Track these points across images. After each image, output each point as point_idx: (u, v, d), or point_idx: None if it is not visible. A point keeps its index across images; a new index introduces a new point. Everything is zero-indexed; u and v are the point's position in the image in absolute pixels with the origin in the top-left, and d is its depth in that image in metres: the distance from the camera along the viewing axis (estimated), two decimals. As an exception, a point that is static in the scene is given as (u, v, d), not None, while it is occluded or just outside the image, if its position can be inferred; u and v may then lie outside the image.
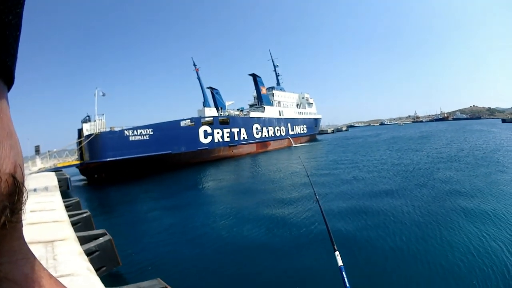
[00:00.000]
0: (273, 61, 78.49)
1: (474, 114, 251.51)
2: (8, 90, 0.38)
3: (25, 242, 0.42)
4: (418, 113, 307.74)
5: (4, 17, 0.33)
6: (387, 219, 12.08)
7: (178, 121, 41.59)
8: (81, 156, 33.76)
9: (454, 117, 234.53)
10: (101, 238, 8.80)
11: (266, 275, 8.54)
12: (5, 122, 0.36)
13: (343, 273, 1.75)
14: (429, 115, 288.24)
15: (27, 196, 0.38)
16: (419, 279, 7.47)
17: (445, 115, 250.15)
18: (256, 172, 31.72)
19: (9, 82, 0.38)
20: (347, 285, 1.63)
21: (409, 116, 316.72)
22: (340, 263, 1.88)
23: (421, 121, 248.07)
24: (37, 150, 32.21)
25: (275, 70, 78.25)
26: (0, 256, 0.36)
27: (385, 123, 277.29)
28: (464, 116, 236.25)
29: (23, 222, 0.40)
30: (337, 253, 2.02)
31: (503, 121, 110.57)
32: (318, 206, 3.21)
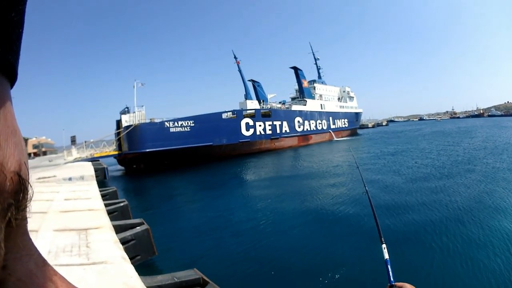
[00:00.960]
0: (313, 54, 77.40)
1: (509, 111, 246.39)
2: (11, 87, 0.38)
3: (30, 239, 0.42)
4: (455, 109, 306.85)
5: (7, 14, 0.33)
6: (433, 215, 11.71)
7: (220, 113, 41.33)
8: (119, 147, 34.00)
9: (489, 113, 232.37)
10: (138, 228, 8.63)
11: (309, 267, 8.41)
12: (9, 119, 0.36)
13: (389, 266, 1.70)
14: (466, 111, 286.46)
15: (32, 194, 0.38)
16: (463, 280, 7.18)
17: (481, 112, 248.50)
18: (299, 165, 31.01)
19: (12, 79, 0.37)
20: (392, 279, 1.55)
21: (447, 111, 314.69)
22: (386, 256, 1.80)
23: (458, 117, 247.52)
24: (73, 141, 33.08)
25: (316, 63, 77.18)
26: (5, 253, 0.36)
27: (424, 118, 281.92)
28: (499, 112, 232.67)
29: (28, 219, 0.40)
30: (384, 245, 1.93)
31: None
32: (366, 198, 3.02)
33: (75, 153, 29.85)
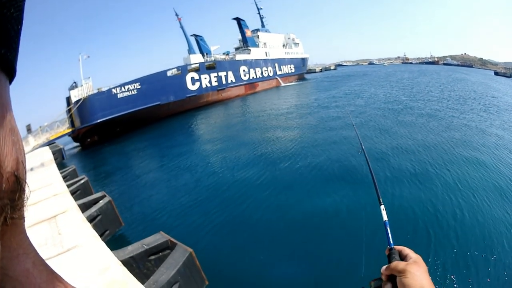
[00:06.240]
0: (256, 4, 77.03)
1: (465, 62, 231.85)
2: (10, 84, 0.38)
3: (27, 237, 0.42)
4: (408, 55, 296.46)
5: (6, 10, 0.33)
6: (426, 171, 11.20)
7: (165, 72, 41.55)
8: (72, 124, 33.53)
9: (445, 62, 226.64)
10: (101, 201, 8.81)
11: (290, 224, 8.30)
12: (7, 118, 0.36)
13: (388, 228, 1.64)
14: (419, 58, 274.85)
15: (29, 193, 0.38)
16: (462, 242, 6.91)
17: (436, 59, 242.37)
18: (247, 113, 32.49)
19: (10, 75, 0.37)
20: (391, 242, 1.50)
21: (399, 57, 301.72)
22: (385, 217, 1.72)
23: (411, 63, 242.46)
24: (29, 129, 31.19)
25: (259, 13, 77.05)
26: (2, 251, 0.36)
27: (374, 62, 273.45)
28: (455, 62, 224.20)
29: (25, 218, 0.40)
30: (382, 207, 1.84)
31: (496, 73, 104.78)
32: (358, 154, 2.87)
33: (32, 141, 29.20)
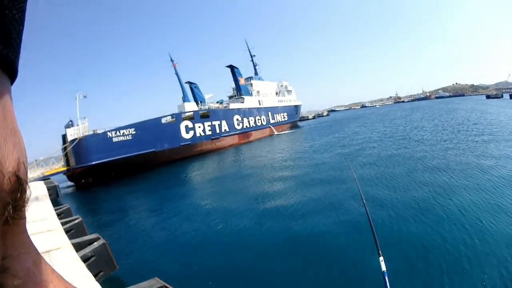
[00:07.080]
0: (250, 51, 78.93)
1: (457, 92, 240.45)
2: (11, 84, 0.39)
3: (28, 237, 0.44)
4: (400, 94, 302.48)
5: (8, 11, 0.34)
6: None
7: (159, 118, 41.58)
8: (67, 162, 33.32)
9: (436, 95, 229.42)
10: (95, 243, 8.77)
11: (284, 277, 8.01)
12: (9, 119, 0.37)
13: (386, 278, 1.69)
14: (411, 95, 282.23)
15: (30, 194, 0.39)
16: None
17: (428, 94, 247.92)
18: (242, 163, 32.18)
19: (12, 76, 0.38)
20: None
21: (391, 97, 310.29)
22: (383, 268, 1.80)
23: (403, 101, 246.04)
24: None
25: (252, 60, 78.83)
26: (3, 251, 0.37)
27: (366, 105, 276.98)
28: (447, 94, 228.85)
29: (26, 218, 0.42)
30: (381, 258, 1.94)
31: (487, 97, 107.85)
32: (362, 208, 3.00)
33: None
